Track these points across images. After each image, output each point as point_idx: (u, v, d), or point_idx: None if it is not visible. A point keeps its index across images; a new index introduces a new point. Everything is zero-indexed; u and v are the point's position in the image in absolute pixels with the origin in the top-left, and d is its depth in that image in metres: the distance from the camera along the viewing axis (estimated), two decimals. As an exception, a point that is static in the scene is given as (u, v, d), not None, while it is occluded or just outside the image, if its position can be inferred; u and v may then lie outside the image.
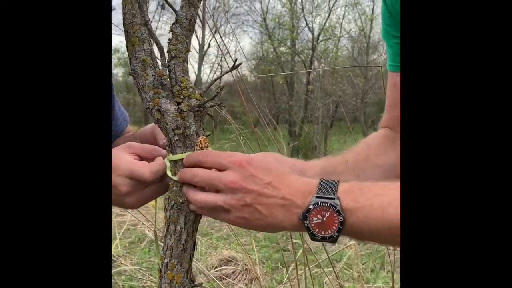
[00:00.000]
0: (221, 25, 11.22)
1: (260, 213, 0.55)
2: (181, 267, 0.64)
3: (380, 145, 0.79)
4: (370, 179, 0.59)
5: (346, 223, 0.52)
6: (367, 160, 0.76)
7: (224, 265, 2.98)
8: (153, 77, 0.63)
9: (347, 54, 10.58)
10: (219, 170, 0.59)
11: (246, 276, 2.96)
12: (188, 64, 0.65)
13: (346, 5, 9.69)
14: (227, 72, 0.68)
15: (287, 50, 10.38)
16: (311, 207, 0.53)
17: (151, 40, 0.64)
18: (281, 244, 3.03)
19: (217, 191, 0.59)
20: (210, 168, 0.60)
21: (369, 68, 9.28)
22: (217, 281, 2.77)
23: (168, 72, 0.63)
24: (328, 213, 0.52)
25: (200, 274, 2.97)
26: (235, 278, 2.95)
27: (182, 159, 0.63)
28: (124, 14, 0.64)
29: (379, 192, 0.52)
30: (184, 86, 0.63)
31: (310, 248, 1.76)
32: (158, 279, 0.66)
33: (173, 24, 0.64)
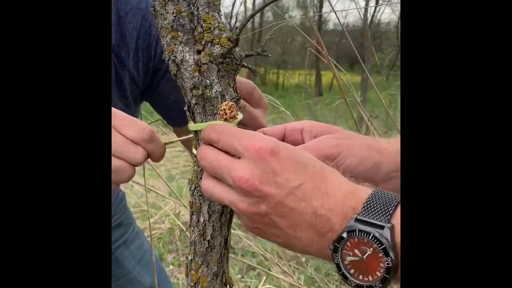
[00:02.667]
0: None
1: (278, 229, 0.38)
2: (207, 269, 0.50)
3: None
4: None
5: (397, 269, 0.32)
6: None
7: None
8: (174, 15, 0.46)
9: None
10: (234, 155, 0.40)
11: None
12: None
13: None
14: (268, 4, 0.46)
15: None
16: (344, 235, 0.33)
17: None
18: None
19: None
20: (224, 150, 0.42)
21: None
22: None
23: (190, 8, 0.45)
24: (371, 249, 0.32)
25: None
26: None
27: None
28: None
29: None
30: (207, 27, 0.44)
31: None
32: (185, 276, 0.52)
33: None
